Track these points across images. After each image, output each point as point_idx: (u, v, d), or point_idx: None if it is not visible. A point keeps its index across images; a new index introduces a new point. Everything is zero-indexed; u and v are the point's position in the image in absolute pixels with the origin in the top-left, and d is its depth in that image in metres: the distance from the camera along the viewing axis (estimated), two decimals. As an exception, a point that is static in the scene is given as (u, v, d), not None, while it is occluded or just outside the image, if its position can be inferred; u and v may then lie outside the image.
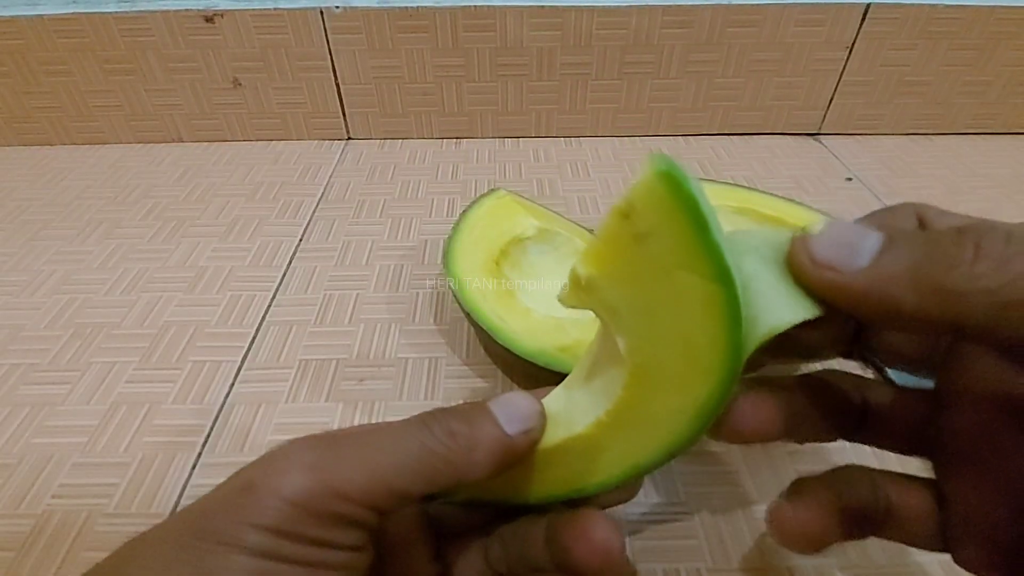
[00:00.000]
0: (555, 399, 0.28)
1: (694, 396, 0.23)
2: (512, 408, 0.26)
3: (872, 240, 0.21)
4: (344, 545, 0.21)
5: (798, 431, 0.26)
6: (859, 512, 0.26)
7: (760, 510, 0.38)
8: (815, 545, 0.25)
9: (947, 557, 0.33)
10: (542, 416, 0.26)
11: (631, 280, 0.23)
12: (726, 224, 0.26)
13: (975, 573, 0.25)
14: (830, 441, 0.28)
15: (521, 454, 0.26)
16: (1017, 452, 0.22)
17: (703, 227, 0.20)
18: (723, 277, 0.21)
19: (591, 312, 0.25)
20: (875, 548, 0.36)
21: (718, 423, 0.24)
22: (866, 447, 0.28)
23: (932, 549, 0.26)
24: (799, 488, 0.26)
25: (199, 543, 0.20)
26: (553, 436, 0.27)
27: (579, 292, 0.25)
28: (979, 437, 0.23)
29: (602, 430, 0.26)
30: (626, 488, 0.29)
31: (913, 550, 0.35)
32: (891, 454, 0.28)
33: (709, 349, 0.22)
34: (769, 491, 0.39)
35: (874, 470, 0.27)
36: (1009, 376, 0.23)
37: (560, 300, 0.26)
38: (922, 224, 0.26)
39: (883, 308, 0.20)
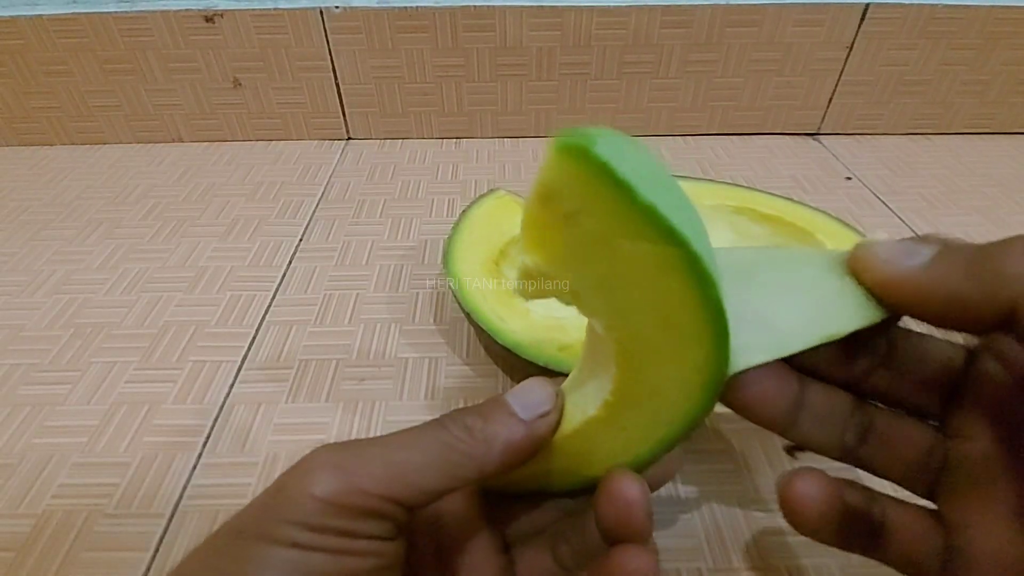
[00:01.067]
0: (571, 384, 0.28)
1: (689, 362, 0.23)
2: (526, 395, 0.26)
3: (930, 245, 0.22)
4: (370, 535, 0.22)
5: (796, 427, 0.26)
6: (857, 514, 0.26)
7: (761, 510, 0.38)
8: (815, 522, 0.25)
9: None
10: (557, 398, 0.27)
11: (580, 261, 0.22)
12: (726, 224, 0.26)
13: None
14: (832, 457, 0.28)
15: (540, 439, 0.26)
16: None
17: (627, 192, 0.19)
18: (669, 237, 0.20)
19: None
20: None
21: (727, 388, 0.24)
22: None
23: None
24: (807, 471, 0.26)
25: (237, 540, 0.22)
26: (572, 421, 0.27)
27: (534, 282, 0.24)
28: (988, 462, 0.24)
29: (611, 410, 0.25)
30: (662, 466, 0.28)
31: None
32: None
33: (684, 313, 0.22)
34: (769, 491, 0.39)
35: (872, 489, 0.27)
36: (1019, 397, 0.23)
37: (520, 294, 0.26)
38: None
39: (944, 298, 0.21)
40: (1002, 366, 0.24)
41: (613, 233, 0.20)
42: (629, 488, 0.25)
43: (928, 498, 0.26)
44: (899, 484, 0.27)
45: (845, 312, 0.23)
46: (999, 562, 0.23)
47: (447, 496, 0.27)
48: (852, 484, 0.26)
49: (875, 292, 0.23)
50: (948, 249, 0.22)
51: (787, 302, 0.24)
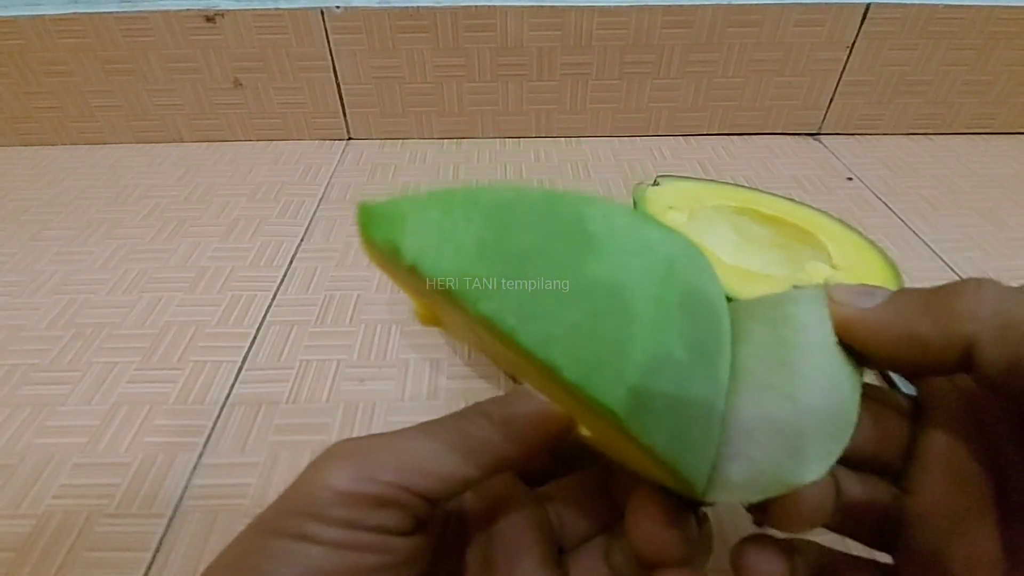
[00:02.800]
0: None
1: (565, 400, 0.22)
2: None
3: (882, 292, 0.23)
4: (379, 527, 0.22)
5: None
6: None
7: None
8: None
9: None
10: None
11: (461, 332, 0.22)
12: (728, 225, 0.26)
13: None
14: None
15: (562, 418, 0.25)
16: (978, 537, 0.22)
17: (455, 299, 0.18)
18: (520, 349, 0.18)
19: None
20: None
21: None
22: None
23: None
24: (760, 542, 0.26)
25: (254, 534, 0.22)
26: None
27: (438, 328, 0.24)
28: (940, 519, 0.23)
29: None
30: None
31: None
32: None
33: (512, 352, 0.20)
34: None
35: (825, 547, 0.27)
36: (967, 450, 0.23)
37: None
38: None
39: (901, 337, 0.21)
40: (948, 417, 0.24)
41: (470, 325, 0.20)
42: (653, 514, 0.24)
43: (885, 551, 0.26)
44: (858, 541, 0.27)
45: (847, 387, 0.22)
46: None
47: (498, 505, 0.27)
48: (807, 545, 0.26)
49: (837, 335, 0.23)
50: (904, 291, 0.22)
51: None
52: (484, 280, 0.18)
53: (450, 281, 0.18)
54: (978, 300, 0.20)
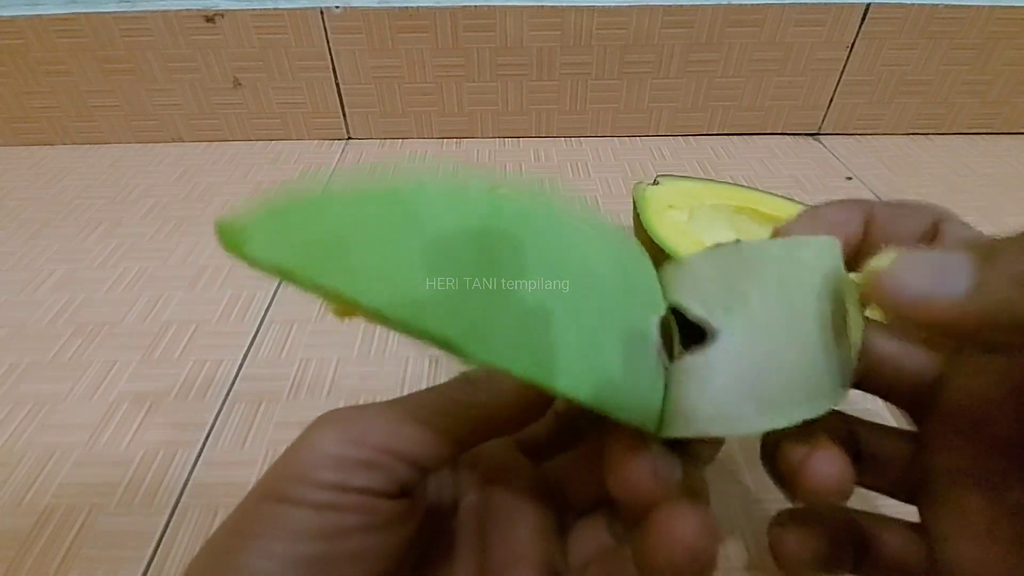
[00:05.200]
0: None
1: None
2: None
3: (957, 259, 0.18)
4: (364, 488, 0.22)
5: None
6: (844, 542, 0.26)
7: (761, 508, 0.38)
8: (807, 568, 0.25)
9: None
10: None
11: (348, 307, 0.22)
12: (728, 224, 0.26)
13: None
14: None
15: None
16: (1004, 488, 0.22)
17: (294, 278, 0.19)
18: (355, 304, 0.19)
19: None
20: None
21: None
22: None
23: None
24: (790, 520, 0.26)
25: (248, 500, 0.23)
26: None
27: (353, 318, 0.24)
28: (961, 475, 0.23)
29: None
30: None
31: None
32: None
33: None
34: (770, 490, 0.39)
35: (853, 509, 0.27)
36: (996, 411, 0.22)
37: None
38: (935, 233, 0.25)
39: (1009, 324, 0.17)
40: (979, 382, 0.23)
41: (336, 300, 0.20)
42: (624, 459, 0.23)
43: (912, 503, 0.26)
44: (885, 495, 0.27)
45: (827, 381, 0.21)
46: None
47: (494, 476, 0.28)
48: (835, 511, 0.26)
49: (919, 332, 0.21)
50: (990, 256, 0.18)
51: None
52: (313, 260, 0.19)
53: (283, 263, 0.19)
54: None
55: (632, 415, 0.21)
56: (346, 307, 0.22)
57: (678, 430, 0.21)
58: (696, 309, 0.22)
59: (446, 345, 0.19)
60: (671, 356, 0.23)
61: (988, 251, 0.18)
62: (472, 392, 0.25)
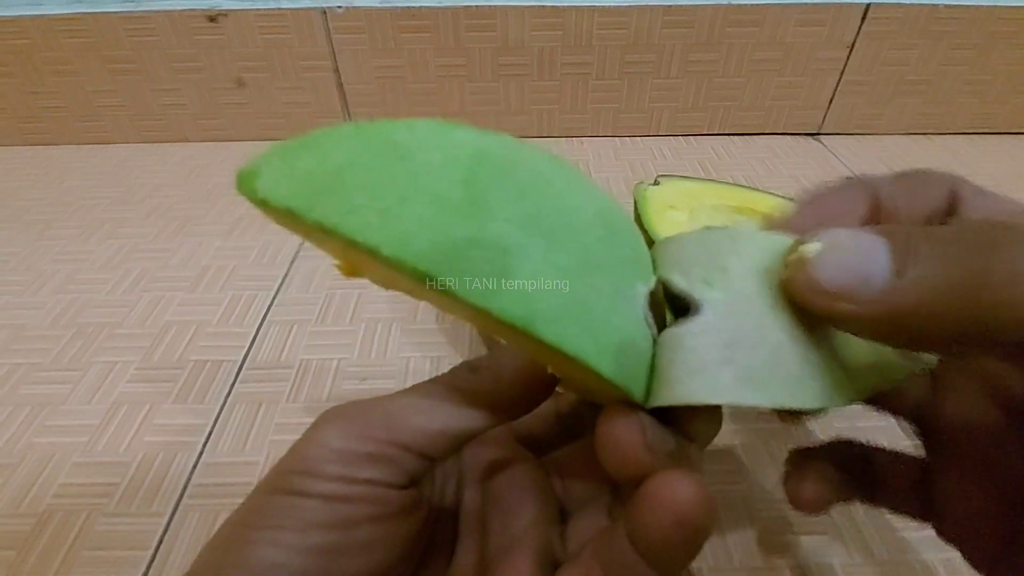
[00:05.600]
0: None
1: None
2: None
3: (881, 252, 0.18)
4: (371, 480, 0.23)
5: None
6: (852, 482, 0.27)
7: (761, 509, 0.38)
8: (821, 510, 0.26)
9: (949, 554, 0.33)
10: None
11: (355, 264, 0.23)
12: (726, 222, 0.26)
13: (956, 547, 0.26)
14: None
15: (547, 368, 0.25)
16: (1009, 448, 0.23)
17: (295, 215, 0.19)
18: (349, 241, 0.19)
19: None
20: (877, 544, 0.36)
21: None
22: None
23: (917, 519, 0.27)
24: (803, 462, 0.27)
25: (254, 495, 0.23)
26: None
27: (360, 277, 0.24)
28: (971, 431, 0.24)
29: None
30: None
31: (914, 547, 0.35)
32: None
33: (438, 295, 0.20)
34: (770, 490, 0.39)
35: (863, 444, 0.28)
36: (1009, 373, 0.23)
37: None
38: (953, 206, 0.24)
39: (922, 334, 0.17)
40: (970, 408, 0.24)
41: (337, 245, 0.20)
42: (611, 426, 0.22)
43: (926, 520, 0.27)
44: (899, 514, 0.28)
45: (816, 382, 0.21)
46: (967, 511, 0.23)
47: (495, 467, 0.28)
48: (849, 446, 0.28)
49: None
50: (913, 253, 0.17)
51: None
52: (312, 195, 0.19)
53: (288, 202, 0.19)
54: None
55: (620, 376, 0.20)
56: (350, 260, 0.23)
57: (662, 398, 0.21)
58: (679, 281, 0.22)
59: (429, 281, 0.19)
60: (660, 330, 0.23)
61: (910, 244, 0.17)
62: (475, 381, 0.25)
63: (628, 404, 0.22)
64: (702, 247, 0.23)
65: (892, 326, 0.17)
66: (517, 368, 0.25)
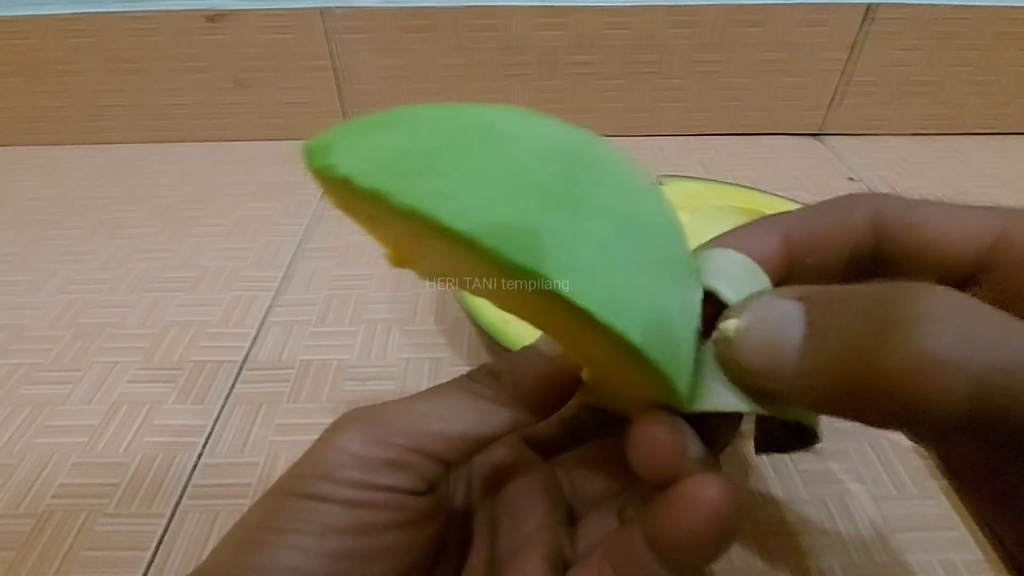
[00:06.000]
0: None
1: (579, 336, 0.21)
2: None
3: (794, 328, 0.18)
4: (391, 487, 0.23)
5: None
6: None
7: (762, 510, 0.38)
8: None
9: (948, 556, 0.33)
10: None
11: (418, 253, 0.22)
12: (731, 225, 0.25)
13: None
14: None
15: (569, 374, 0.25)
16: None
17: (381, 198, 0.18)
18: (442, 229, 0.18)
19: None
20: (877, 547, 0.36)
21: None
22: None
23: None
24: None
25: (270, 497, 0.23)
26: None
27: (419, 274, 0.24)
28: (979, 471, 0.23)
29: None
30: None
31: (915, 549, 0.35)
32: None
33: (443, 244, 0.19)
34: (771, 491, 0.39)
35: None
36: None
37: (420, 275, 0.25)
38: (878, 230, 0.23)
39: (836, 412, 0.18)
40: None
41: (411, 231, 0.20)
42: (650, 428, 0.22)
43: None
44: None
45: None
46: None
47: (505, 470, 0.28)
48: None
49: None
50: (813, 328, 0.18)
51: None
52: (403, 177, 0.18)
53: (376, 181, 0.18)
54: (940, 334, 0.15)
55: (679, 379, 0.21)
56: (406, 248, 0.22)
57: (709, 403, 0.21)
58: (727, 293, 0.22)
59: (528, 274, 0.18)
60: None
61: (812, 321, 0.18)
62: (496, 388, 0.25)
63: (666, 408, 0.22)
64: (740, 265, 0.23)
65: (816, 406, 0.18)
66: (538, 374, 0.25)
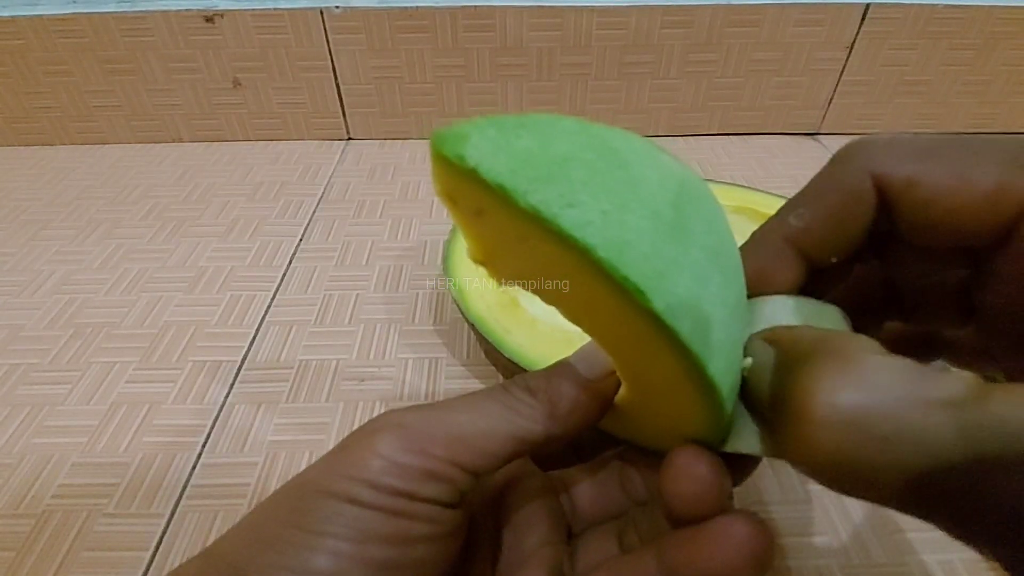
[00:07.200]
0: None
1: (659, 362, 0.21)
2: (590, 356, 0.26)
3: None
4: (430, 499, 0.22)
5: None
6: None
7: (763, 512, 0.38)
8: None
9: (947, 556, 0.33)
10: None
11: (509, 253, 0.22)
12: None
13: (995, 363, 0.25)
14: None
15: (605, 398, 0.25)
16: None
17: (506, 195, 0.19)
18: (560, 234, 0.18)
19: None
20: (875, 547, 0.36)
21: None
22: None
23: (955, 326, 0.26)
24: None
25: (300, 493, 0.22)
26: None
27: (493, 274, 0.24)
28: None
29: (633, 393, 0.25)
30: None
31: (914, 549, 0.35)
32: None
33: (614, 312, 0.20)
34: (772, 492, 0.39)
35: None
36: None
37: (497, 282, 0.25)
38: (887, 207, 0.22)
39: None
40: None
41: (518, 232, 0.20)
42: (695, 464, 0.22)
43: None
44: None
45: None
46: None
47: (508, 484, 0.28)
48: None
49: None
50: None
51: None
52: (531, 179, 0.19)
53: (504, 178, 0.19)
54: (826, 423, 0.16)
55: (728, 411, 0.21)
56: (493, 248, 0.23)
57: (739, 446, 0.22)
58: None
59: (632, 291, 0.18)
60: None
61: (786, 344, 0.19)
62: (534, 405, 0.25)
63: (702, 444, 0.23)
64: (799, 313, 0.23)
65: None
66: (573, 398, 0.25)
